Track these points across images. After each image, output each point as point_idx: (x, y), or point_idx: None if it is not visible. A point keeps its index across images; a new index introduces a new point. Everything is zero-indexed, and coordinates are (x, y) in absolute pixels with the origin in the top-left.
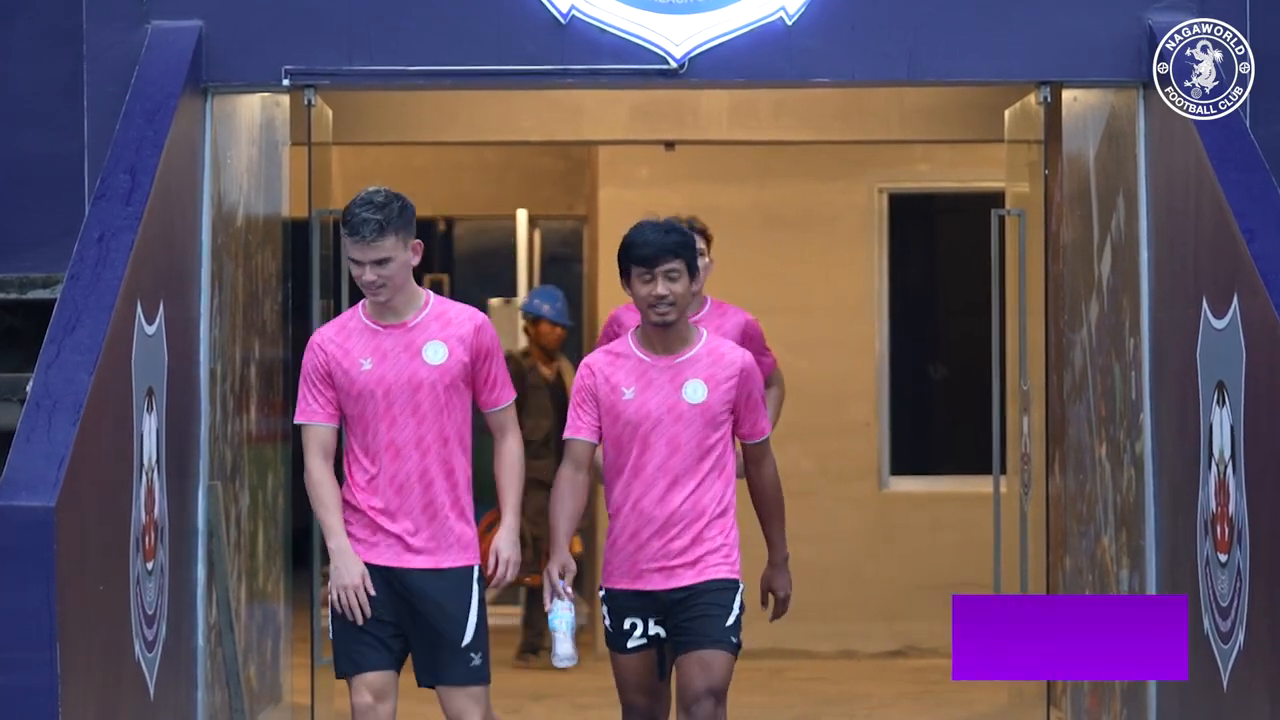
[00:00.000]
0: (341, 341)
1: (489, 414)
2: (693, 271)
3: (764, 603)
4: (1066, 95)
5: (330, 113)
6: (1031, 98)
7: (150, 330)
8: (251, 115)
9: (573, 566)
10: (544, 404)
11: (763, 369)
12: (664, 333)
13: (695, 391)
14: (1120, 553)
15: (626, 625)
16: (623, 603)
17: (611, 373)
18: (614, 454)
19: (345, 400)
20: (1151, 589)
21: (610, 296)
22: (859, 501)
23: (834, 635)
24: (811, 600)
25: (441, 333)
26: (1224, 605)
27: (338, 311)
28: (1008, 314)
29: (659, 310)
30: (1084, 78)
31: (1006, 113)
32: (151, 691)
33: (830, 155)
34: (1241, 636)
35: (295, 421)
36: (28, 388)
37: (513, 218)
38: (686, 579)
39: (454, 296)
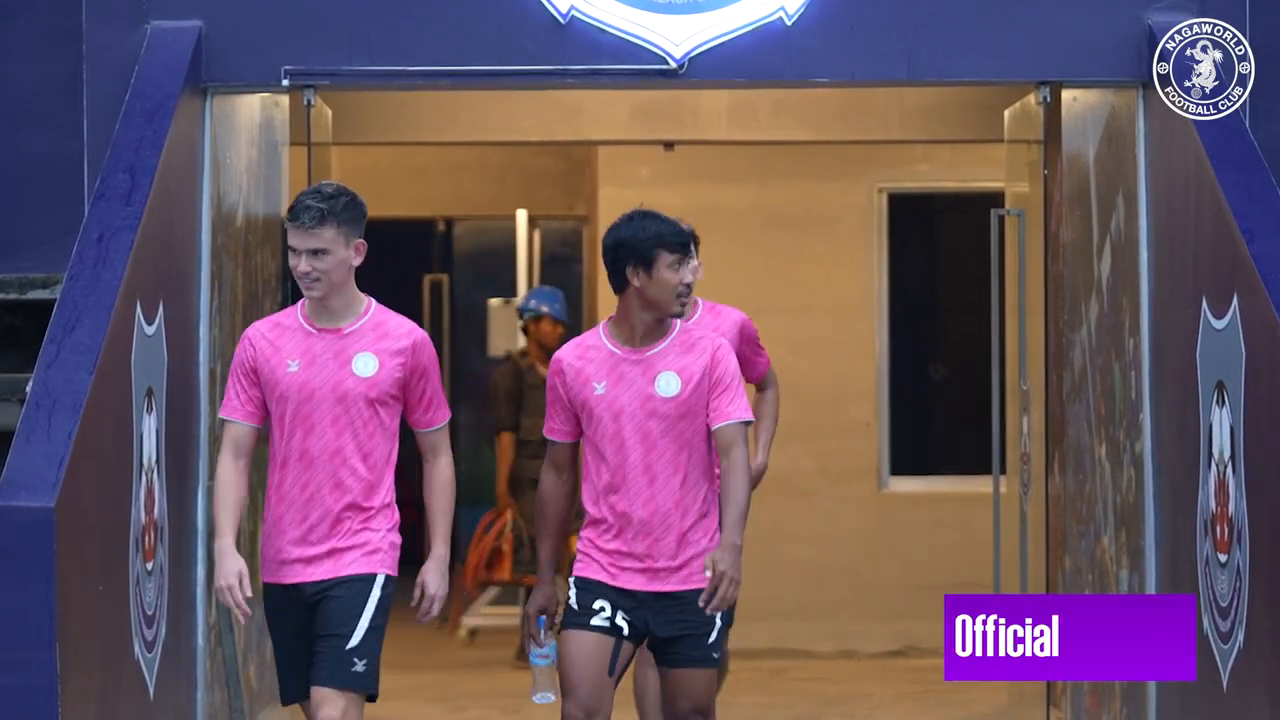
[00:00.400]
0: (274, 339)
1: (420, 434)
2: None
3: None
4: (1066, 95)
5: (330, 113)
6: (1031, 98)
7: (150, 330)
8: (251, 115)
9: (554, 605)
10: (542, 404)
11: (757, 369)
12: (651, 324)
13: (668, 384)
14: (1120, 553)
15: (596, 605)
16: (597, 589)
17: (582, 366)
18: (590, 452)
19: (269, 400)
20: (1151, 589)
21: (610, 297)
22: (859, 501)
23: (834, 635)
24: (811, 600)
25: (376, 345)
26: (1224, 605)
27: None
28: (1007, 314)
29: (685, 299)
30: (1084, 78)
31: (1006, 113)
32: (151, 691)
33: (830, 155)
34: (1241, 636)
35: (220, 415)
36: (27, 388)
37: (512, 218)
38: (671, 584)
39: (453, 296)
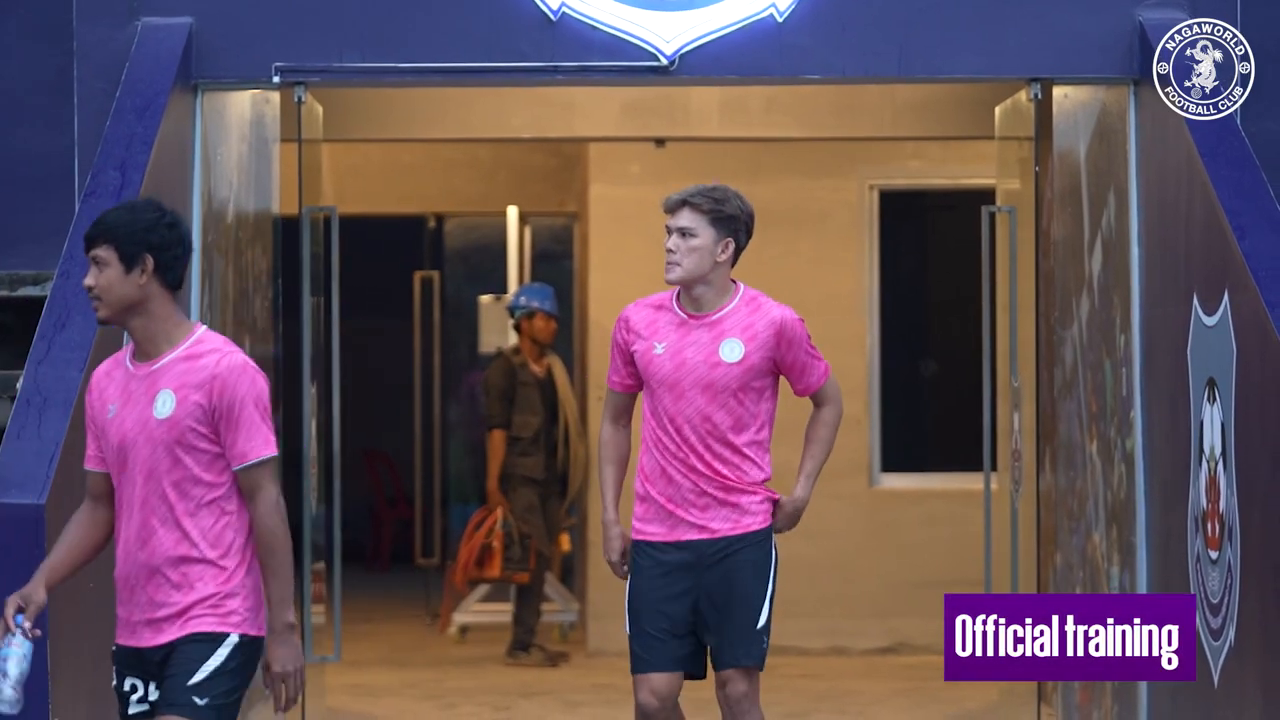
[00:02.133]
0: None
1: None
2: (129, 261)
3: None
4: (1057, 92)
5: (320, 109)
6: (1022, 94)
7: None
8: (242, 112)
9: (39, 598)
10: (534, 401)
11: (805, 381)
12: (132, 333)
13: (164, 404)
14: (1111, 549)
15: (127, 686)
16: (121, 659)
17: (106, 385)
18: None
19: None
20: (1142, 586)
21: (601, 293)
22: (850, 498)
23: (825, 632)
24: (803, 597)
25: None
26: (1215, 602)
27: (328, 308)
28: (999, 311)
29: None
30: (1075, 74)
31: (997, 109)
32: None
33: (821, 152)
34: (1232, 633)
35: None
36: (18, 385)
37: (503, 215)
38: (169, 634)
39: (444, 294)
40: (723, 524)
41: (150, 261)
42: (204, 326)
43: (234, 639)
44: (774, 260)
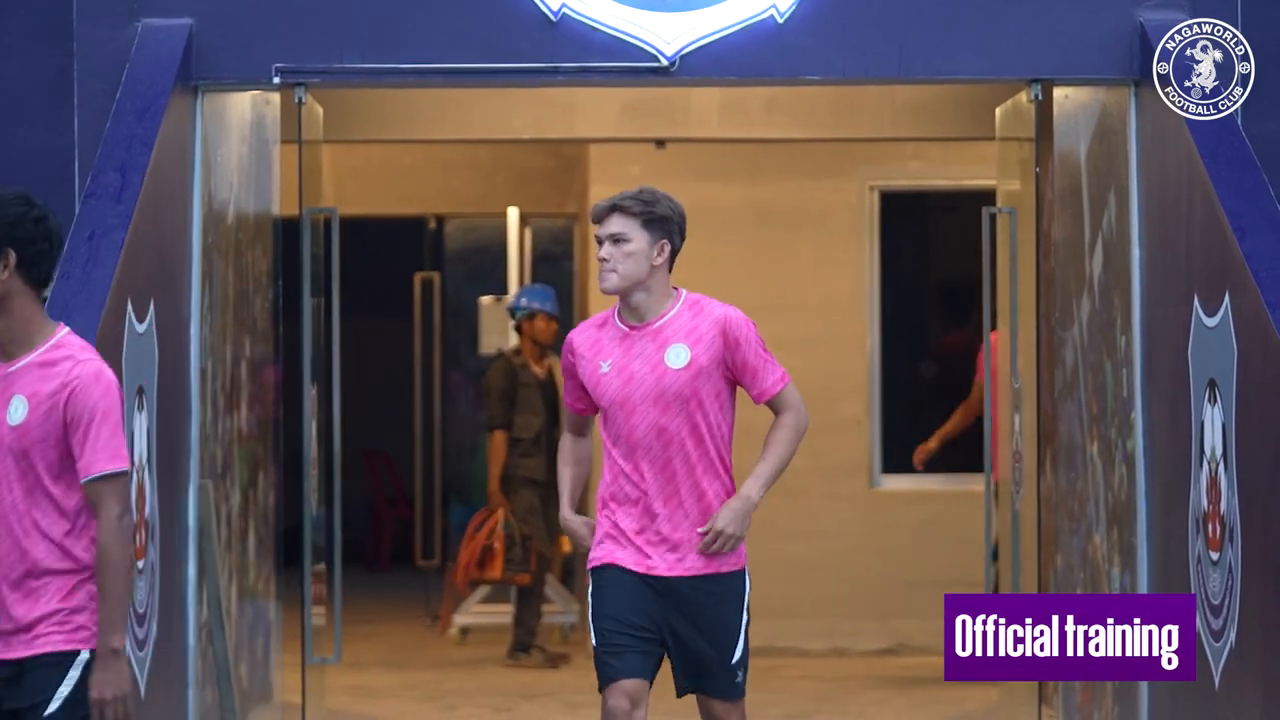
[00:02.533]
0: None
1: None
2: None
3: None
4: (1058, 93)
5: (321, 110)
6: (1023, 95)
7: (141, 329)
8: (242, 113)
9: None
10: (535, 402)
11: (760, 386)
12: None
13: (16, 411)
14: (1112, 550)
15: None
16: None
17: None
18: None
19: None
20: (1143, 587)
21: (601, 294)
22: (850, 499)
23: (825, 633)
24: (803, 598)
25: None
26: (1216, 603)
27: (328, 309)
28: (999, 312)
29: None
30: (1075, 75)
31: (998, 110)
32: (142, 690)
33: (822, 153)
34: (1233, 635)
35: None
36: None
37: (503, 216)
38: (17, 650)
39: (445, 294)
40: (677, 564)
41: (12, 256)
42: (66, 329)
43: (84, 656)
44: (774, 261)
